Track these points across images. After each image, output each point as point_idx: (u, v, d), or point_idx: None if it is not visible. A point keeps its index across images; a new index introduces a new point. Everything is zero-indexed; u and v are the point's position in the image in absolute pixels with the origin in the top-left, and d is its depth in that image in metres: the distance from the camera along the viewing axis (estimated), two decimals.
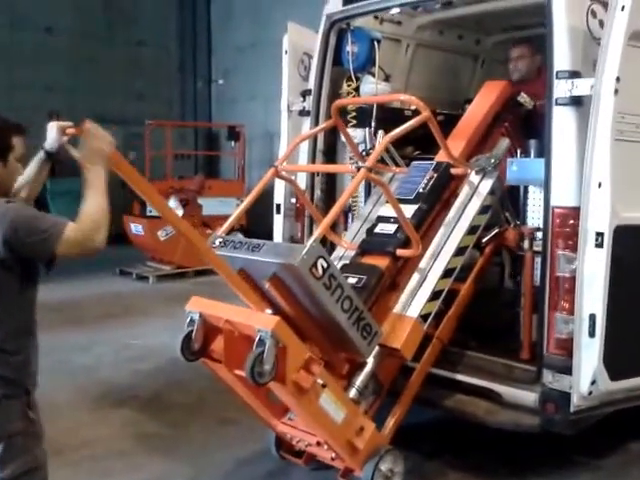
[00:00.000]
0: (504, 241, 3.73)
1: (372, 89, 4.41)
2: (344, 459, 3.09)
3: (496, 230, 3.70)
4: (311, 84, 4.33)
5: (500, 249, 3.81)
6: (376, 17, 4.55)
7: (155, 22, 13.83)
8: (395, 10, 4.45)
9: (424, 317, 3.27)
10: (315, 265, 2.79)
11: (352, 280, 3.24)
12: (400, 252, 3.36)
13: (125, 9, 13.36)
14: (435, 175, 3.64)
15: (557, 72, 3.20)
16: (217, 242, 3.21)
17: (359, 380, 3.19)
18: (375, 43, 4.40)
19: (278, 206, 4.42)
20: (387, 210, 3.56)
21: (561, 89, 3.17)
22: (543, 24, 3.36)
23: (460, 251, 3.43)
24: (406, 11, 4.58)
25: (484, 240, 3.68)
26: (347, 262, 3.60)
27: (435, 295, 3.32)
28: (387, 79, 4.60)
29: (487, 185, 3.56)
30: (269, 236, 4.48)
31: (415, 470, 3.54)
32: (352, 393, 3.16)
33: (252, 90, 12.76)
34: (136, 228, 9.42)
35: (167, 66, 14.23)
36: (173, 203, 9.33)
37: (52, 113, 9.33)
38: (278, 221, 4.45)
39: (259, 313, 2.99)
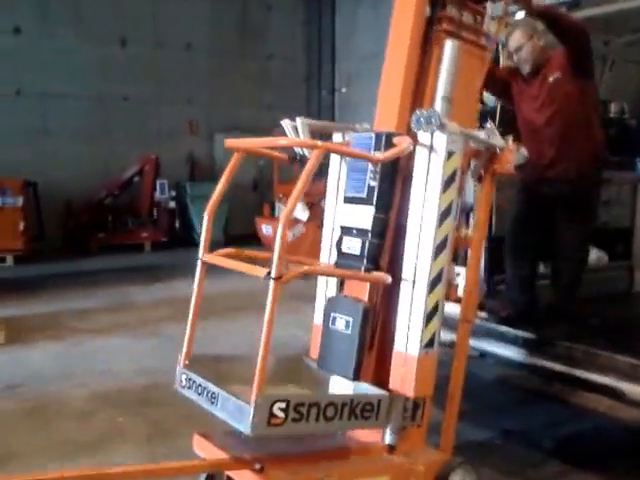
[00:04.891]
0: (500, 168, 3.08)
1: None
2: None
3: (486, 158, 3.06)
4: None
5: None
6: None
7: (283, 36, 14.27)
8: (519, 15, 4.38)
9: (429, 343, 2.74)
10: (272, 415, 2.36)
11: (341, 324, 2.83)
12: (375, 275, 2.79)
13: (256, 26, 13.87)
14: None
15: None
16: (183, 379, 2.75)
17: (391, 423, 2.87)
18: (499, 46, 4.37)
19: None
20: (347, 214, 2.94)
21: None
22: None
23: (439, 249, 2.71)
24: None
25: (478, 173, 3.10)
26: (332, 296, 3.06)
27: (430, 315, 2.74)
28: None
29: (441, 151, 2.68)
30: None
31: (536, 467, 3.51)
32: (389, 439, 2.90)
33: (373, 97, 12.85)
34: (266, 229, 9.77)
35: (294, 77, 14.62)
36: (300, 206, 9.59)
37: None
38: None
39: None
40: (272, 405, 2.37)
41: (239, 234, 11.42)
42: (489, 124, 3.05)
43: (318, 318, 3.10)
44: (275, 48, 14.16)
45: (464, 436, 3.86)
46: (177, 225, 12.18)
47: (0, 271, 7.42)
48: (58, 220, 11.61)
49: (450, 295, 3.04)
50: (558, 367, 3.51)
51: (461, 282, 4.31)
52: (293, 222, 9.60)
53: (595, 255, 4.84)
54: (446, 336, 4.04)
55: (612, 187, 4.95)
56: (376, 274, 2.78)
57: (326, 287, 3.13)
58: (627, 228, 5.17)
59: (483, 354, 4.04)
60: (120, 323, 6.70)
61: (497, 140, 3.02)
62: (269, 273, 2.31)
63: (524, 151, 3.12)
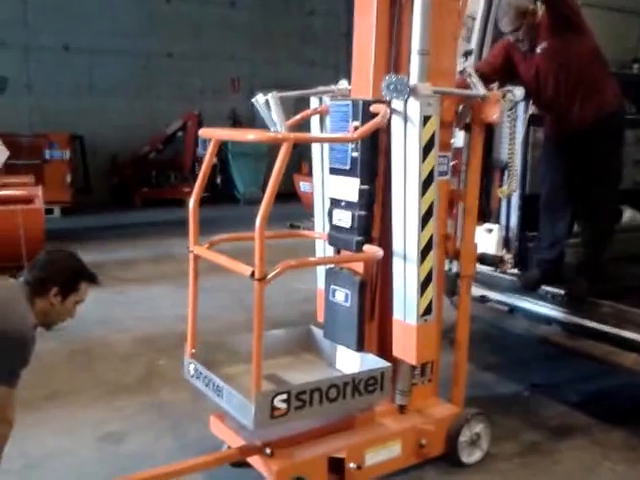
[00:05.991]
0: (485, 117, 2.95)
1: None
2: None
3: (470, 107, 2.97)
4: (473, 45, 4.28)
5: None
6: None
7: None
8: None
9: (427, 311, 2.71)
10: (275, 409, 2.42)
11: (340, 297, 2.87)
12: (366, 252, 2.75)
13: None
14: (359, 125, 2.68)
15: None
16: (191, 370, 2.82)
17: (399, 384, 2.96)
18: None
19: None
20: (334, 186, 2.89)
21: None
22: None
23: (426, 217, 2.64)
24: None
25: (463, 122, 3.00)
26: (331, 267, 3.00)
27: (424, 284, 2.68)
28: None
29: (415, 119, 2.56)
30: None
31: (561, 419, 3.55)
32: (399, 400, 2.98)
33: None
34: (304, 186, 9.81)
35: (335, 33, 14.43)
36: None
37: None
38: None
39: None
40: (273, 399, 2.41)
41: (278, 191, 11.47)
42: (468, 69, 2.98)
43: (321, 282, 3.14)
44: (317, 4, 13.97)
45: (492, 389, 3.94)
46: (218, 181, 12.29)
47: (48, 222, 7.65)
48: (104, 174, 11.85)
49: (448, 251, 3.04)
50: (587, 323, 3.51)
51: (493, 239, 4.33)
52: None
53: (628, 215, 4.76)
54: (476, 291, 4.09)
55: None
56: (367, 250, 2.73)
57: (324, 254, 3.16)
58: None
59: (512, 309, 4.06)
60: (162, 273, 6.88)
61: (478, 90, 2.92)
62: (253, 273, 2.34)
63: (511, 96, 3.00)
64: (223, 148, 12.26)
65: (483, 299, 4.16)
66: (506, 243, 4.32)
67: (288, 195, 11.11)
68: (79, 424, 3.47)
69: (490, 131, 4.31)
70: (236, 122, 12.97)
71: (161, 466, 2.68)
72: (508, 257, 4.29)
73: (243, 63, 13.18)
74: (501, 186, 4.33)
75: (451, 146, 3.01)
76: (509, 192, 4.25)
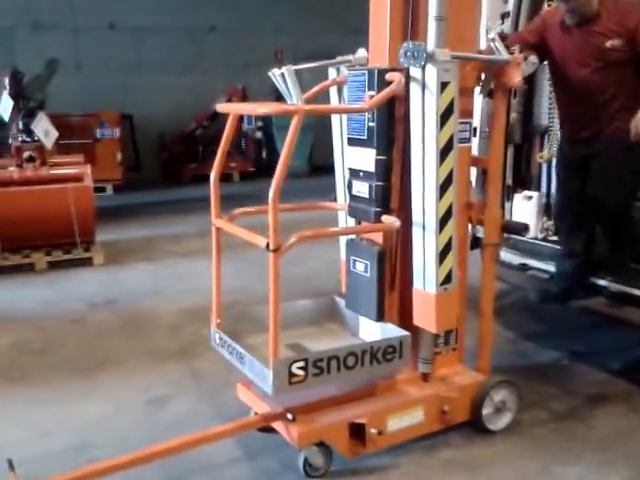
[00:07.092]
0: (509, 81, 2.88)
1: None
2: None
3: (492, 72, 2.90)
4: (510, 6, 4.18)
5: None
6: None
7: None
8: None
9: (446, 280, 2.68)
10: (292, 375, 2.47)
11: (360, 267, 2.87)
12: (384, 222, 2.74)
13: None
14: (375, 94, 2.65)
15: None
16: (217, 339, 2.91)
17: (422, 352, 2.96)
18: None
19: (475, 129, 4.36)
20: (352, 156, 2.90)
21: None
22: None
23: (445, 185, 2.60)
24: None
25: (487, 88, 2.94)
26: (351, 239, 3.02)
27: (444, 253, 2.65)
28: None
29: (433, 85, 2.51)
30: None
31: (600, 386, 3.53)
32: (422, 368, 2.98)
33: None
34: None
35: None
36: None
37: None
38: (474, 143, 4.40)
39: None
40: (290, 366, 2.46)
41: (323, 164, 11.50)
42: (492, 34, 2.90)
43: (343, 253, 3.15)
44: None
45: (531, 357, 3.94)
46: (264, 155, 12.36)
47: (100, 200, 7.89)
48: (152, 151, 12.07)
49: (472, 219, 3.01)
50: (629, 290, 3.43)
51: (533, 206, 4.27)
52: None
53: None
54: (517, 259, 4.05)
55: None
56: (385, 220, 2.73)
57: (346, 224, 3.18)
58: None
59: (553, 277, 4.01)
60: (208, 247, 6.89)
61: (501, 55, 2.85)
62: (268, 245, 2.37)
63: (533, 59, 2.94)
64: (268, 122, 12.31)
65: (524, 267, 4.13)
66: (546, 210, 4.26)
67: (331, 168, 11.14)
68: (128, 389, 3.63)
69: (529, 97, 4.25)
70: (280, 96, 12.97)
71: (193, 433, 2.74)
72: (549, 224, 4.24)
73: (286, 34, 13.11)
74: (541, 152, 4.27)
75: (472, 112, 2.98)
76: (550, 157, 4.19)
